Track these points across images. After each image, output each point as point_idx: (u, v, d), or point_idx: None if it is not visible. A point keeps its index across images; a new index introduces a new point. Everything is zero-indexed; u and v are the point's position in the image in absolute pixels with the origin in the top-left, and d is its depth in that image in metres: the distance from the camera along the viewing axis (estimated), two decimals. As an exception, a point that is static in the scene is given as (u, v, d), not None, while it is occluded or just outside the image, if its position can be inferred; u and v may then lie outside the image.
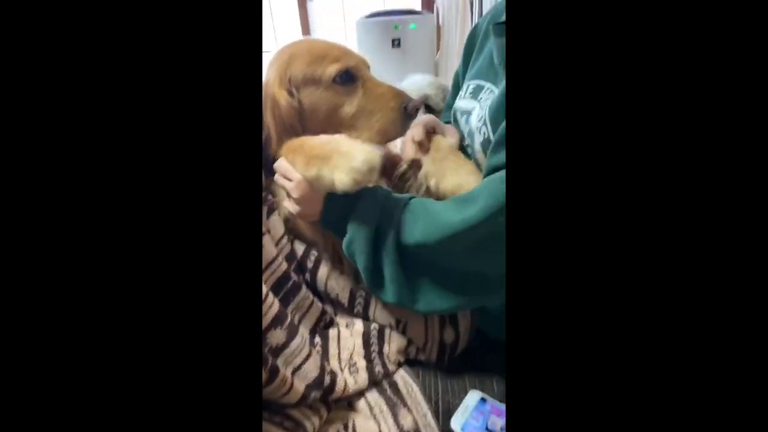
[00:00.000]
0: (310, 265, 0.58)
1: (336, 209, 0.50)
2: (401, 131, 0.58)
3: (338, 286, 0.57)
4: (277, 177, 0.54)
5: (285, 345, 0.46)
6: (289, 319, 0.47)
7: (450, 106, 0.79)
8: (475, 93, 0.62)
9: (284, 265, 0.53)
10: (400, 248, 0.47)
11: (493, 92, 0.57)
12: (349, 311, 0.58)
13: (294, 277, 0.54)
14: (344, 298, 0.57)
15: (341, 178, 0.45)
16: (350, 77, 0.56)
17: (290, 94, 0.56)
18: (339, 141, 0.49)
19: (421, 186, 0.59)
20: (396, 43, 2.06)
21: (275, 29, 2.51)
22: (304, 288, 0.55)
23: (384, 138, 0.57)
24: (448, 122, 0.76)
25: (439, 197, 0.54)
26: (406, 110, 0.56)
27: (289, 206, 0.53)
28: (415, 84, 1.04)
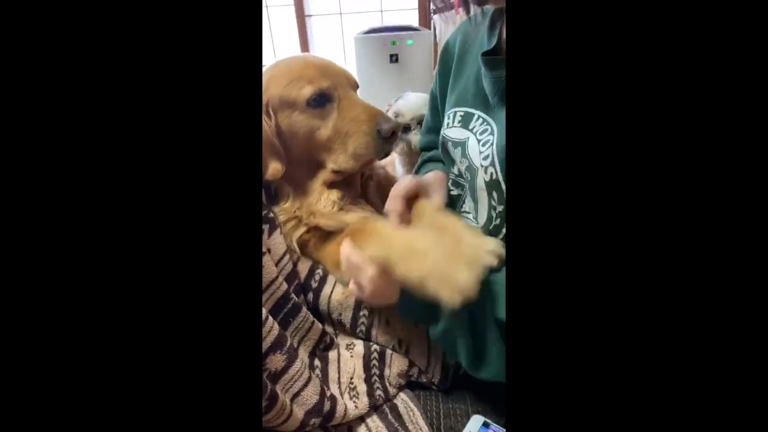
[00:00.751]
0: (314, 284, 0.57)
1: (417, 299, 0.43)
2: (376, 155, 0.57)
3: (342, 305, 0.57)
4: (344, 258, 0.49)
5: (284, 370, 0.45)
6: (288, 342, 0.46)
7: (430, 128, 0.75)
8: (465, 121, 0.58)
9: (284, 286, 0.52)
10: (498, 324, 0.44)
11: (486, 122, 0.55)
12: (352, 332, 0.57)
13: (294, 298, 0.53)
14: (347, 319, 0.57)
15: (452, 296, 0.38)
16: (325, 99, 0.56)
17: (269, 116, 0.56)
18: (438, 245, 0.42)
19: None
20: (394, 58, 2.08)
21: (274, 45, 2.54)
22: (304, 309, 0.54)
23: (359, 162, 0.57)
24: (431, 159, 0.74)
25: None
26: (380, 133, 0.55)
27: (357, 293, 0.49)
28: (410, 103, 1.05)
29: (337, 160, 0.57)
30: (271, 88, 0.56)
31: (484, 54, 0.55)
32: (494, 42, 0.56)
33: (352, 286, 0.49)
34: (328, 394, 0.48)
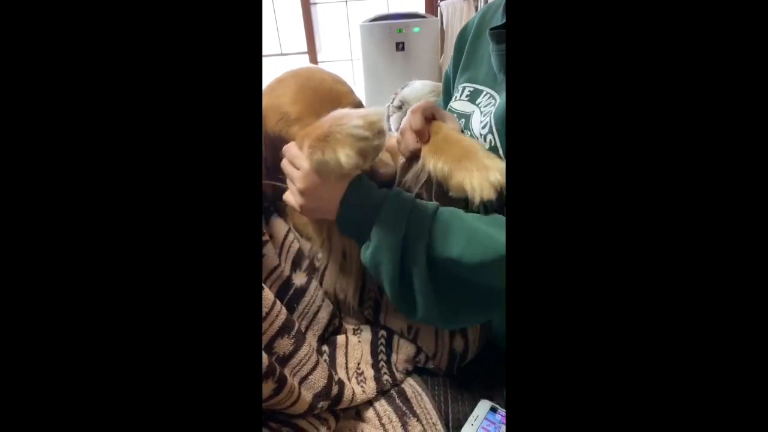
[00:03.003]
0: (317, 264, 0.57)
1: (355, 211, 0.45)
2: None
3: (347, 287, 0.56)
4: (284, 163, 0.49)
5: (292, 354, 0.45)
6: (296, 327, 0.46)
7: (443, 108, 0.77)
8: (473, 97, 0.59)
9: (286, 272, 0.52)
10: (430, 262, 0.43)
11: (493, 98, 0.55)
12: (358, 315, 0.57)
13: (297, 282, 0.53)
14: (353, 301, 0.56)
15: (346, 154, 0.39)
16: None
17: (277, 150, 0.53)
18: (335, 114, 0.42)
19: (422, 175, 0.52)
20: (400, 46, 2.06)
21: (279, 33, 2.52)
22: (310, 292, 0.54)
23: None
24: None
25: (447, 184, 0.48)
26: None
27: (291, 199, 0.48)
28: (416, 90, 1.04)
29: None
30: (268, 124, 0.53)
31: (492, 29, 0.54)
32: (504, 18, 0.56)
33: (288, 194, 0.48)
34: (336, 378, 0.48)
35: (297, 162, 0.46)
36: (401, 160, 0.57)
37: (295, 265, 0.54)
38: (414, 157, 0.53)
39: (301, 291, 0.53)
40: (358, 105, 0.55)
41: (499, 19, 0.58)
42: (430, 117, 0.55)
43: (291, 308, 0.51)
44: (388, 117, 1.08)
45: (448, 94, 0.72)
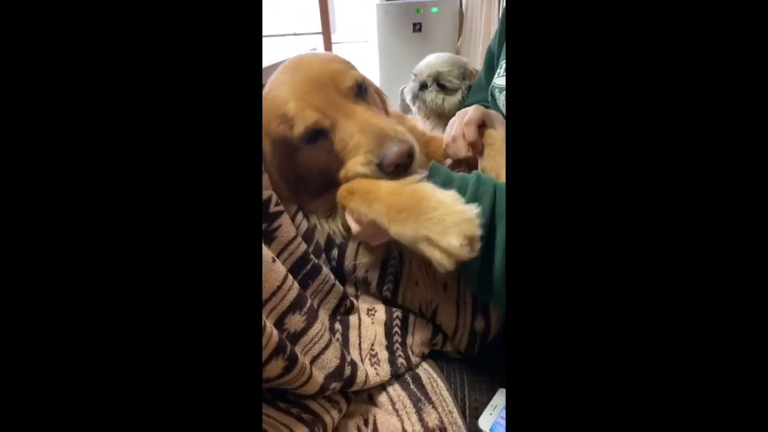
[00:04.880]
0: (338, 240, 0.54)
1: None
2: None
3: (369, 261, 0.53)
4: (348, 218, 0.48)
5: (304, 331, 0.42)
6: (308, 303, 0.44)
7: (482, 86, 0.75)
8: None
9: (303, 246, 0.49)
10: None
11: None
12: (377, 292, 0.54)
13: (313, 258, 0.50)
14: (374, 277, 0.53)
15: (452, 243, 0.36)
16: (319, 133, 0.48)
17: (283, 156, 0.51)
18: (425, 193, 0.40)
19: None
20: (417, 27, 2.00)
21: (293, 12, 2.47)
22: (324, 270, 0.51)
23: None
24: (482, 103, 0.72)
25: None
26: (380, 168, 0.45)
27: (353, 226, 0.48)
28: (429, 62, 1.00)
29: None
30: (271, 128, 0.50)
31: None
32: None
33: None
34: (349, 359, 0.45)
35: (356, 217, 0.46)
36: (448, 161, 0.56)
37: (308, 241, 0.51)
38: (462, 162, 0.54)
39: (318, 268, 0.50)
40: (359, 81, 0.51)
41: None
42: (481, 125, 0.55)
43: (306, 284, 0.48)
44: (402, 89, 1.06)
45: (490, 69, 0.72)
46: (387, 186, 0.43)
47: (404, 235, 0.39)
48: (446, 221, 0.37)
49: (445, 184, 0.44)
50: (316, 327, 0.43)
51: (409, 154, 0.45)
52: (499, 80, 0.64)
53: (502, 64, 0.64)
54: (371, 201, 0.43)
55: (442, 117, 0.94)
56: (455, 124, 0.56)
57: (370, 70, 2.28)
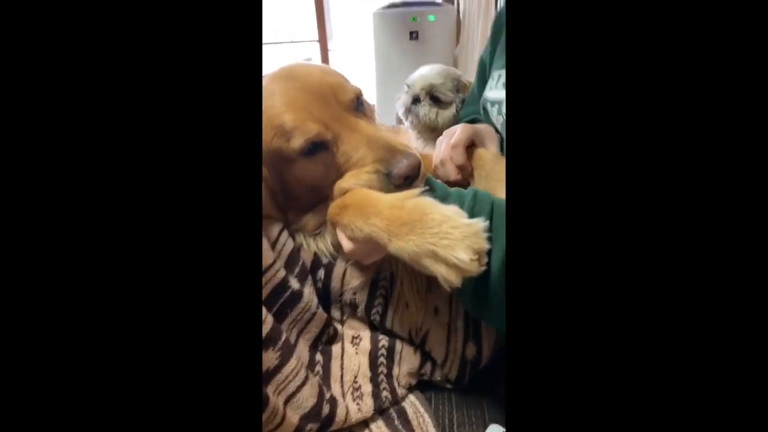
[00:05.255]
0: (325, 260, 0.51)
1: None
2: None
3: (357, 283, 0.50)
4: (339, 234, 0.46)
5: (278, 369, 0.39)
6: (283, 337, 0.41)
7: (474, 98, 0.73)
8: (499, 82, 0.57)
9: (282, 272, 0.46)
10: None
11: None
12: (364, 316, 0.51)
13: (293, 285, 0.47)
14: (362, 299, 0.50)
15: (462, 258, 0.35)
16: (318, 147, 0.45)
17: (273, 170, 0.49)
18: (426, 205, 0.38)
19: None
20: (414, 35, 1.98)
21: (289, 20, 2.46)
22: (306, 296, 0.48)
23: None
24: (474, 120, 0.70)
25: None
26: (389, 177, 0.43)
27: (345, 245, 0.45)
28: (422, 73, 0.97)
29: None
30: (264, 141, 0.47)
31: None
32: None
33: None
34: (328, 395, 0.42)
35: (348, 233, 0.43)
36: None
37: (289, 266, 0.48)
38: (454, 185, 0.50)
39: (298, 294, 0.47)
40: (358, 94, 0.49)
41: None
42: (470, 145, 0.53)
43: (283, 313, 0.46)
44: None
45: (482, 81, 0.69)
46: (385, 199, 0.41)
47: (406, 251, 0.37)
48: (453, 235, 0.35)
49: (442, 199, 0.42)
50: (291, 363, 0.40)
51: (418, 168, 0.44)
52: (491, 93, 0.61)
53: (494, 75, 0.61)
54: (368, 215, 0.40)
55: (435, 132, 0.91)
56: (442, 146, 0.54)
57: (367, 78, 2.27)
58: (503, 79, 0.58)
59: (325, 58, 2.28)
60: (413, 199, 0.39)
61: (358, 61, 2.53)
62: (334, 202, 0.46)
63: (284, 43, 2.41)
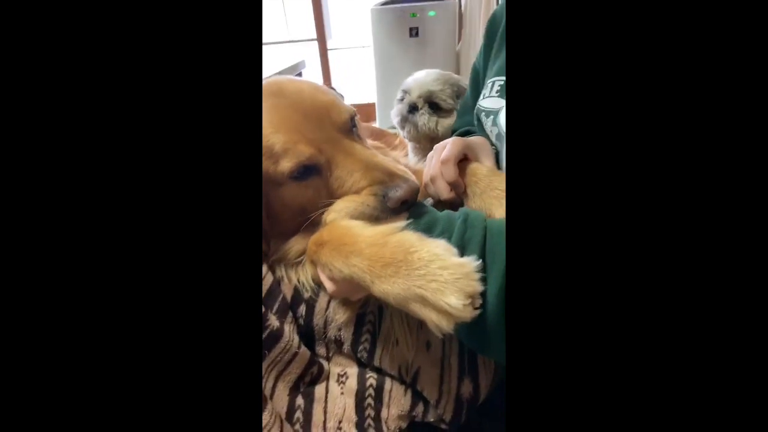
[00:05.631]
0: (306, 294, 0.47)
1: None
2: (378, 220, 0.42)
3: (342, 317, 0.47)
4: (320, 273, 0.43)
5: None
6: (255, 389, 0.37)
7: (468, 107, 0.68)
8: (503, 92, 0.52)
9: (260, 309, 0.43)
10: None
11: None
12: (351, 352, 0.48)
13: (273, 322, 0.43)
14: (347, 336, 0.47)
15: (453, 303, 0.31)
16: (311, 170, 0.42)
17: None
18: (411, 243, 0.35)
19: None
20: (414, 32, 1.93)
21: (287, 16, 2.42)
22: (285, 336, 0.44)
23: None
24: (467, 132, 0.65)
25: None
26: (384, 200, 0.40)
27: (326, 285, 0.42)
28: (419, 79, 0.91)
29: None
30: None
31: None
32: None
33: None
34: (307, 450, 0.39)
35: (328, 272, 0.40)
36: (429, 200, 0.49)
37: (268, 303, 0.45)
38: (446, 203, 0.47)
39: (277, 334, 0.43)
40: (353, 115, 0.45)
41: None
42: (463, 159, 0.49)
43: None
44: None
45: (476, 89, 0.65)
46: (366, 235, 0.37)
47: (392, 294, 0.34)
48: (443, 277, 0.32)
49: (429, 228, 0.38)
50: (264, 418, 0.36)
51: (416, 193, 0.41)
52: (485, 102, 0.56)
53: (488, 84, 0.57)
54: (347, 254, 0.37)
55: (435, 141, 0.85)
56: (432, 162, 0.49)
57: (366, 76, 2.22)
58: (497, 87, 0.54)
59: (324, 57, 2.23)
60: (396, 235, 0.36)
61: (358, 59, 2.48)
62: (312, 237, 0.42)
63: (282, 42, 2.37)
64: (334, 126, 0.43)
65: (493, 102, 0.55)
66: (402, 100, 0.92)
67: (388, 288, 0.34)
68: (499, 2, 1.82)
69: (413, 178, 0.42)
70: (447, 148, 0.48)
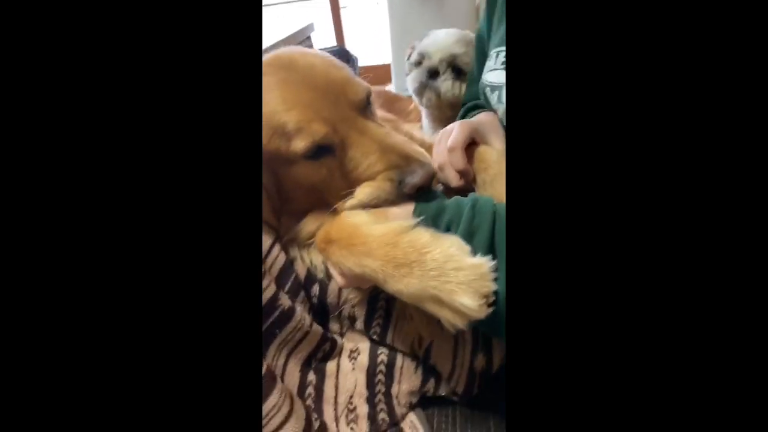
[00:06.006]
0: (320, 274, 0.47)
1: None
2: (392, 203, 0.41)
3: (356, 297, 0.47)
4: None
5: (259, 404, 0.37)
6: (264, 367, 0.38)
7: (474, 78, 0.64)
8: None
9: (271, 289, 0.43)
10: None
11: None
12: (364, 329, 0.48)
13: (284, 303, 0.43)
14: (361, 313, 0.47)
15: (468, 305, 0.31)
16: (325, 149, 0.41)
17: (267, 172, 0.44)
18: (424, 242, 0.34)
19: None
20: (431, -12, 1.81)
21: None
22: (297, 314, 0.44)
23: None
24: (476, 106, 0.61)
25: None
26: (401, 185, 0.39)
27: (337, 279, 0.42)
28: (439, 41, 0.83)
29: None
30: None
31: None
32: None
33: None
34: (317, 425, 0.40)
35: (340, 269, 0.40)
36: (440, 187, 0.47)
37: (280, 282, 0.44)
38: (457, 189, 0.45)
39: (289, 313, 0.43)
40: (369, 92, 0.43)
41: None
42: (471, 143, 0.46)
43: (272, 333, 0.42)
44: (406, 74, 0.89)
45: (482, 58, 0.59)
46: (376, 234, 0.36)
47: (405, 294, 0.34)
48: (457, 278, 0.32)
49: (437, 215, 0.37)
50: (274, 397, 0.37)
51: (432, 178, 0.40)
52: (490, 75, 0.51)
53: (493, 55, 0.52)
54: (358, 254, 0.37)
55: (458, 109, 0.78)
56: (440, 148, 0.47)
57: (380, 36, 2.11)
58: (502, 58, 0.49)
59: (336, 16, 2.13)
60: (408, 235, 0.35)
61: (372, 17, 2.36)
62: (320, 231, 0.42)
63: (292, 2, 2.26)
64: (349, 104, 0.42)
65: (497, 75, 0.51)
66: (419, 64, 0.85)
67: (402, 287, 0.34)
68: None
69: (429, 160, 0.41)
70: (453, 134, 0.46)
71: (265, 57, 0.46)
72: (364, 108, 0.43)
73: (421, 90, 0.84)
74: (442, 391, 0.48)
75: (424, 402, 0.49)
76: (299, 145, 0.40)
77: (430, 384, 0.48)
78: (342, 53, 1.70)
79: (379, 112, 0.57)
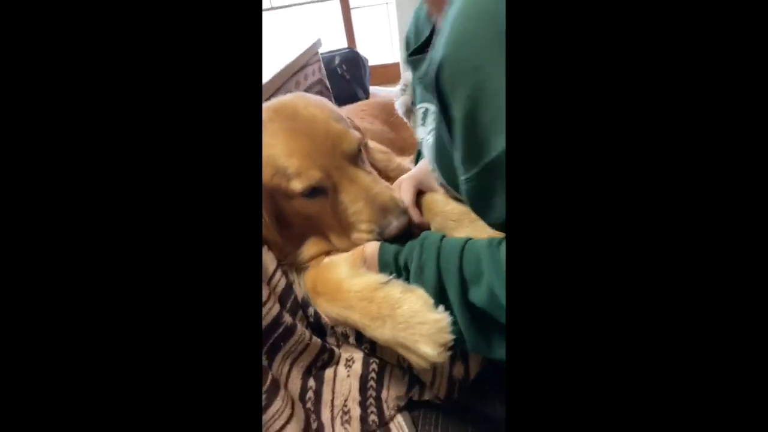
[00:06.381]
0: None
1: None
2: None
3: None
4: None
5: (263, 410, 0.44)
6: (269, 378, 0.45)
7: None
8: (425, 119, 0.50)
9: (276, 309, 0.50)
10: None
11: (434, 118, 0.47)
12: (356, 345, 0.56)
13: (287, 319, 0.50)
14: (352, 332, 0.55)
15: (429, 353, 0.39)
16: (318, 192, 0.50)
17: (269, 202, 0.53)
18: (396, 298, 0.42)
19: None
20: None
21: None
22: (298, 329, 0.52)
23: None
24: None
25: None
26: (381, 236, 0.49)
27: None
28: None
29: (339, 243, 0.54)
30: (264, 177, 0.51)
31: (410, 55, 0.50)
32: (426, 34, 0.49)
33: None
34: (315, 425, 0.47)
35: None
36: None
37: (283, 302, 0.52)
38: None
39: (291, 328, 0.51)
40: (360, 143, 0.52)
41: (416, 39, 0.51)
42: (420, 192, 0.54)
43: (277, 347, 0.50)
44: (395, 101, 0.96)
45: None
46: (354, 288, 0.45)
47: (381, 340, 0.43)
48: (421, 330, 0.39)
49: (396, 255, 0.46)
50: (277, 404, 0.44)
51: (407, 227, 0.49)
52: (421, 131, 0.51)
53: (418, 110, 0.51)
54: (341, 308, 0.45)
55: None
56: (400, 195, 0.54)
57: (390, 35, 2.13)
58: (421, 112, 0.50)
59: (347, 16, 2.16)
60: (383, 290, 0.43)
61: (381, 17, 2.37)
62: (308, 275, 0.52)
63: (303, 4, 2.29)
64: (343, 155, 0.50)
65: (420, 132, 0.52)
66: (405, 90, 0.90)
67: (377, 335, 0.42)
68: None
69: (406, 210, 0.49)
70: (402, 194, 0.52)
71: (272, 104, 0.53)
72: (356, 157, 0.51)
73: (407, 114, 0.91)
74: (427, 396, 0.55)
75: (411, 405, 0.55)
76: (297, 186, 0.48)
77: (416, 390, 0.54)
78: (352, 56, 1.74)
79: (376, 145, 0.63)
